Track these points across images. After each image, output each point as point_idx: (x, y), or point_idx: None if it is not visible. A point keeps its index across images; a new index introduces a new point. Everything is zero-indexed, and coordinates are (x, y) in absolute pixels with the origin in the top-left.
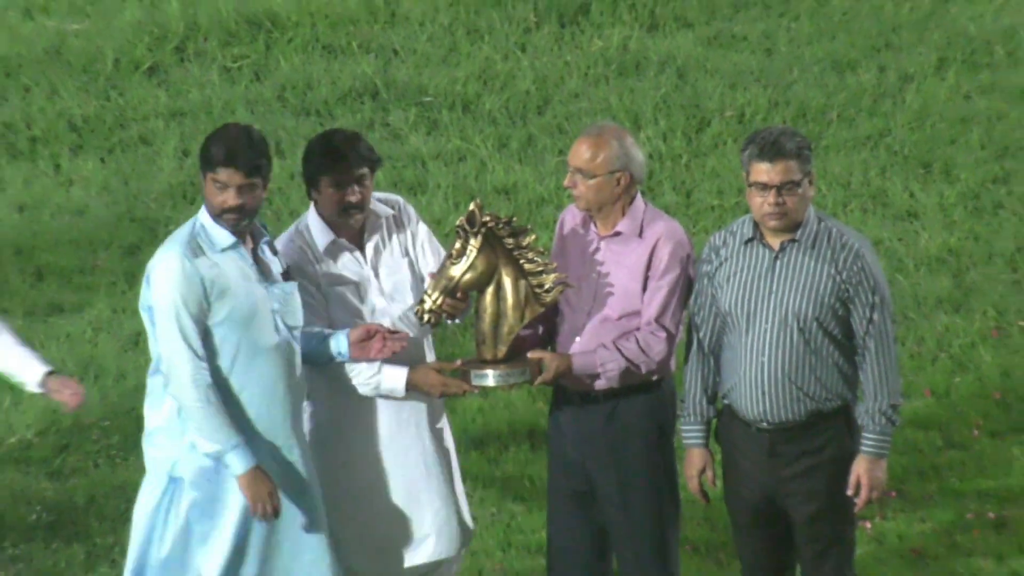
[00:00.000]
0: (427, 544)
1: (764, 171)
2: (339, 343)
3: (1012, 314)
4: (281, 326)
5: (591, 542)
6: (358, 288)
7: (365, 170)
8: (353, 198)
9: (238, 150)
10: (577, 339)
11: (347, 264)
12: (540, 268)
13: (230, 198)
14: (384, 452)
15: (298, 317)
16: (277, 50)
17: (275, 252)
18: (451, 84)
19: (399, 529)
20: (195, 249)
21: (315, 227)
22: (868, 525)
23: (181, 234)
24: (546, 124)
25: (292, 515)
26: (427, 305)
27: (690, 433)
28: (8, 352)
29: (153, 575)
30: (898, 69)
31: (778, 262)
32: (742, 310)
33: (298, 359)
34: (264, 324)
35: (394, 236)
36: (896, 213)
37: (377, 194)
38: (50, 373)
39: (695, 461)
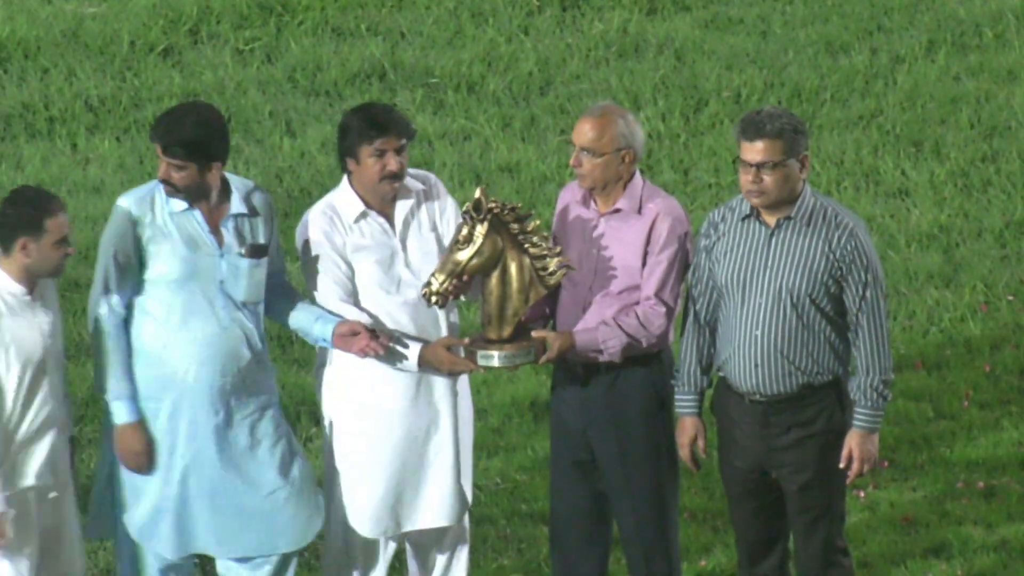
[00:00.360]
0: (429, 511)
1: (747, 149)
2: (324, 330)
3: (1000, 288)
4: (224, 297)
5: (592, 509)
6: (385, 260)
7: (404, 140)
8: (393, 167)
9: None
10: (580, 314)
11: (376, 236)
12: (544, 252)
13: (162, 173)
14: (397, 419)
15: (249, 293)
16: (288, 33)
17: (249, 231)
18: (456, 66)
19: (406, 494)
20: (142, 205)
21: (346, 199)
22: (861, 494)
23: (141, 189)
24: (548, 104)
25: (215, 477)
26: (434, 287)
27: (683, 402)
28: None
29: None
30: (890, 51)
31: (773, 238)
32: (737, 284)
33: (247, 331)
34: (202, 291)
35: (423, 210)
36: (888, 191)
37: (409, 170)
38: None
39: (687, 429)
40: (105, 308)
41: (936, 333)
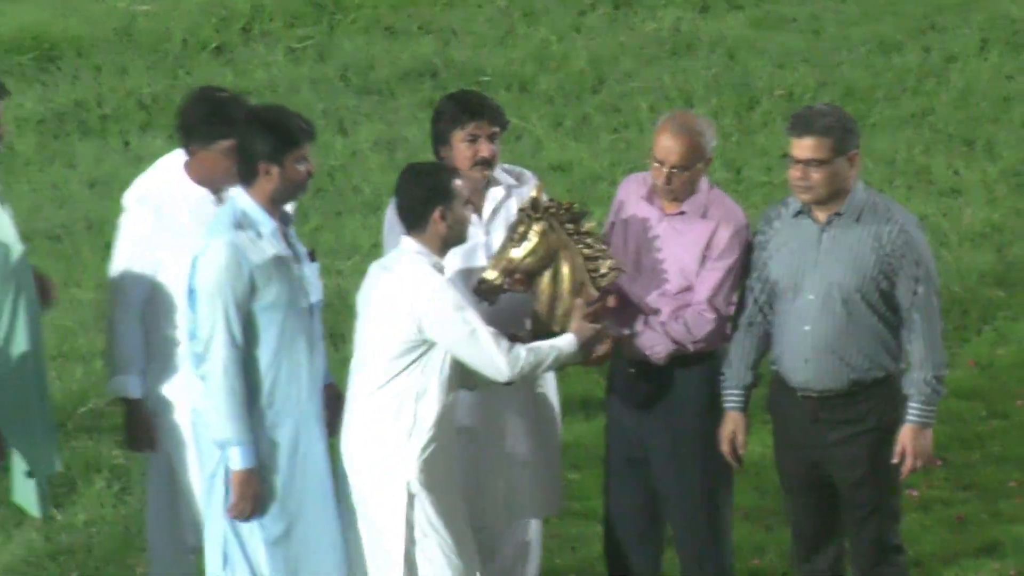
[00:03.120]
0: (526, 503)
1: (795, 145)
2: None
3: None
4: (311, 307)
5: (645, 508)
6: (468, 250)
7: (496, 128)
8: (485, 152)
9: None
10: (633, 310)
11: None
12: (597, 254)
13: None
14: (492, 421)
15: (321, 295)
16: (340, 31)
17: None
18: (508, 64)
19: (506, 489)
20: (242, 236)
21: None
22: (915, 493)
23: (225, 220)
24: (600, 103)
25: (312, 499)
26: (486, 283)
27: (728, 396)
28: None
29: (234, 547)
30: (942, 50)
31: (824, 235)
32: (789, 280)
33: (320, 337)
34: (300, 306)
35: (513, 204)
36: (940, 190)
37: (506, 166)
38: None
39: (727, 423)
40: (228, 351)
41: (989, 332)
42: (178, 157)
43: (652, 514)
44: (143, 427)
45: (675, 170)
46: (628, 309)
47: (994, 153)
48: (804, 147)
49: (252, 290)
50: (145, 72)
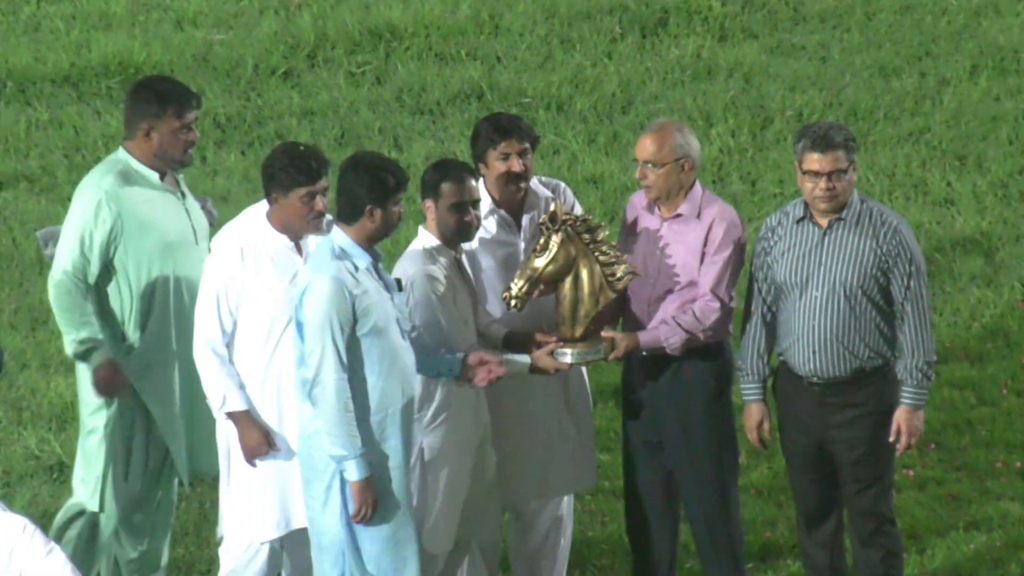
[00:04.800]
0: (561, 481)
1: (816, 160)
2: (454, 362)
3: None
4: (402, 331)
5: (661, 486)
6: (505, 257)
7: (527, 145)
8: (517, 168)
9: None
10: (646, 309)
11: (502, 232)
12: (612, 260)
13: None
14: (526, 405)
15: (407, 319)
16: (395, 57)
17: None
18: (547, 87)
19: (541, 468)
20: (342, 270)
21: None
22: (911, 473)
23: (325, 256)
24: (630, 122)
25: (406, 501)
26: (513, 292)
27: (749, 390)
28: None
29: (327, 557)
30: (937, 74)
31: (826, 238)
32: (796, 280)
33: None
34: (395, 332)
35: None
36: (935, 200)
37: (542, 178)
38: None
39: (754, 414)
40: (337, 376)
41: (978, 328)
42: (262, 207)
43: (668, 492)
44: (256, 433)
45: (649, 165)
46: (641, 308)
47: (984, 167)
48: (828, 161)
49: (355, 318)
50: (220, 94)
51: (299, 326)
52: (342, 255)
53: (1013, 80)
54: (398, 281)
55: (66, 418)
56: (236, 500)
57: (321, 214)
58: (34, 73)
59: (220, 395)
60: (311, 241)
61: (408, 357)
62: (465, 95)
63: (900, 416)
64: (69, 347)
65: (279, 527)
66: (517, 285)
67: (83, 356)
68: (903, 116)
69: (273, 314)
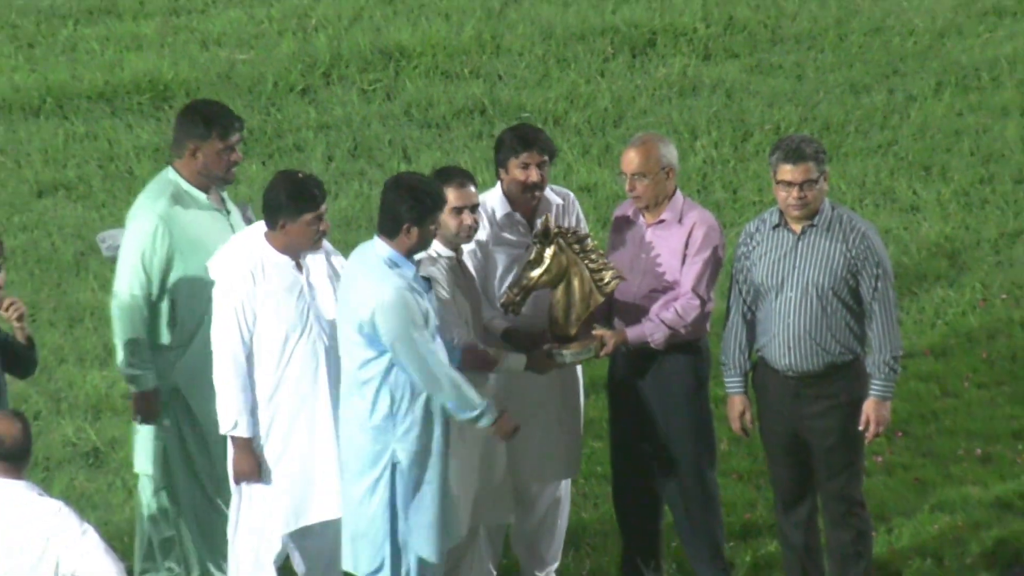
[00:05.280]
0: (557, 465)
1: (788, 171)
2: (452, 356)
3: (996, 288)
4: (436, 329)
5: (643, 471)
6: (521, 256)
7: (546, 157)
8: (534, 178)
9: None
10: (634, 307)
11: (516, 234)
12: (601, 267)
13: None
14: (536, 396)
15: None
16: (404, 75)
17: None
18: (544, 103)
19: (544, 451)
20: (402, 279)
21: (497, 200)
22: (880, 460)
23: (381, 266)
24: (621, 135)
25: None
26: (509, 299)
27: (731, 383)
28: None
29: (367, 542)
30: (904, 91)
31: (800, 243)
32: (772, 282)
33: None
34: (433, 328)
35: (559, 220)
36: (902, 207)
37: (553, 187)
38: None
39: (736, 405)
40: (438, 368)
41: (942, 326)
42: (255, 230)
43: (649, 475)
44: (250, 459)
45: (635, 176)
46: (628, 307)
47: (947, 177)
48: (799, 172)
49: (425, 325)
50: (242, 110)
51: (361, 329)
52: (392, 265)
53: (975, 96)
54: (429, 282)
55: (101, 408)
56: (247, 504)
57: (325, 233)
58: (71, 90)
59: (232, 418)
60: (309, 258)
61: (443, 353)
62: (469, 110)
63: (869, 407)
64: (121, 366)
65: (288, 524)
66: (513, 292)
67: (130, 379)
68: (873, 129)
69: (287, 328)
